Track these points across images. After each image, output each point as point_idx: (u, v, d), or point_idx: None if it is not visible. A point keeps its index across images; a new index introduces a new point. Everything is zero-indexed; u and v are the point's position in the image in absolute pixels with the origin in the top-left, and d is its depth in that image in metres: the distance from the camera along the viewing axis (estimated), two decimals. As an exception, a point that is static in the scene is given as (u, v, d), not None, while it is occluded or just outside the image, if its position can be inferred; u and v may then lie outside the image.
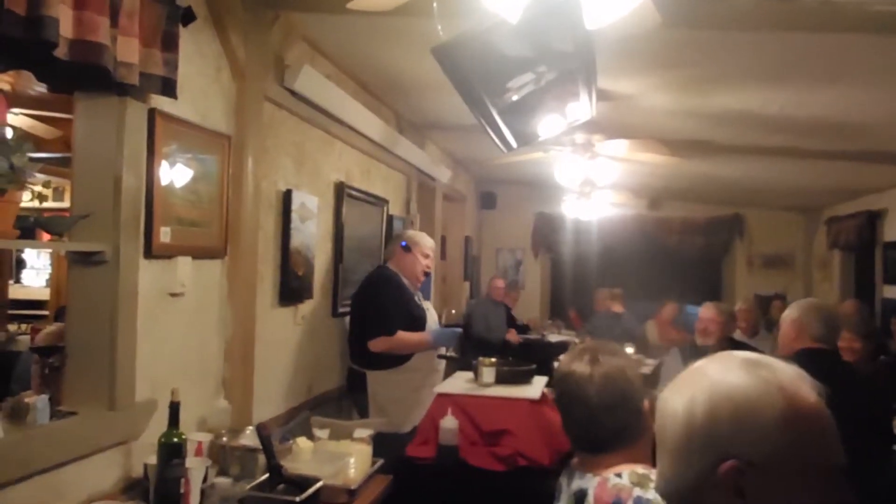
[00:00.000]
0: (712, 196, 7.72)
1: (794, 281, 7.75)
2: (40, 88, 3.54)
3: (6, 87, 3.45)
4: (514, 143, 3.72)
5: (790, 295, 6.95)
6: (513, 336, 6.46)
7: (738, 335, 4.37)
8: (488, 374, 3.01)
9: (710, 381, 0.80)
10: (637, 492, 1.32)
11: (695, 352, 3.77)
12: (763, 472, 0.75)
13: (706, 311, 3.88)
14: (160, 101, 2.08)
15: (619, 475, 1.38)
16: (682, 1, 2.35)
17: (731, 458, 0.75)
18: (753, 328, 4.98)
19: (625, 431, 1.45)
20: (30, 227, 1.89)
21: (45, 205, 3.37)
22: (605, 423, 1.45)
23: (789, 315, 2.62)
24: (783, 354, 2.54)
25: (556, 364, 5.30)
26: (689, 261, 8.16)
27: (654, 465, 1.45)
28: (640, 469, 1.39)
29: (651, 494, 1.31)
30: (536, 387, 3.04)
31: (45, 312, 6.94)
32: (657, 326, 6.71)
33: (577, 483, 1.46)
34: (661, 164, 4.97)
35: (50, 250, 5.95)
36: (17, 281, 7.72)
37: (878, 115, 3.82)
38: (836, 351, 2.61)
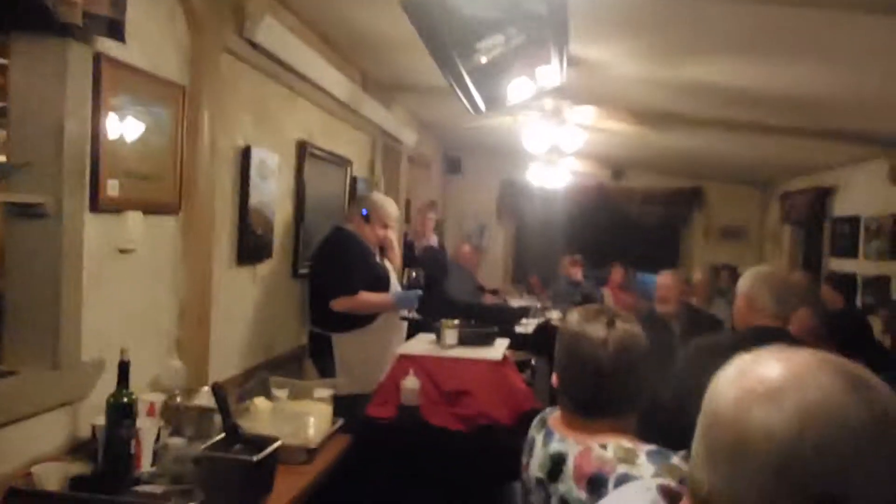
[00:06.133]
0: (674, 168, 7.79)
1: (748, 252, 7.91)
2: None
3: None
4: (482, 107, 3.64)
5: (742, 266, 7.11)
6: (490, 299, 6.54)
7: (694, 302, 4.47)
8: (451, 335, 2.99)
9: (819, 403, 0.69)
10: (621, 468, 1.28)
11: (653, 319, 3.82)
12: None
13: (664, 280, 3.97)
14: (107, 46, 1.96)
15: (604, 446, 1.32)
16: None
17: (832, 497, 0.66)
18: (709, 296, 5.15)
19: (625, 400, 1.40)
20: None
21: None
22: (612, 390, 1.38)
23: (741, 286, 2.46)
24: (738, 328, 2.50)
25: (518, 327, 5.32)
26: (650, 230, 8.26)
27: (640, 438, 1.38)
28: (627, 443, 1.33)
29: (637, 471, 1.26)
30: (498, 349, 3.04)
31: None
32: (610, 292, 6.83)
33: (556, 446, 1.41)
34: (627, 133, 4.96)
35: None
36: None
37: (841, 93, 3.83)
38: (784, 330, 2.34)
